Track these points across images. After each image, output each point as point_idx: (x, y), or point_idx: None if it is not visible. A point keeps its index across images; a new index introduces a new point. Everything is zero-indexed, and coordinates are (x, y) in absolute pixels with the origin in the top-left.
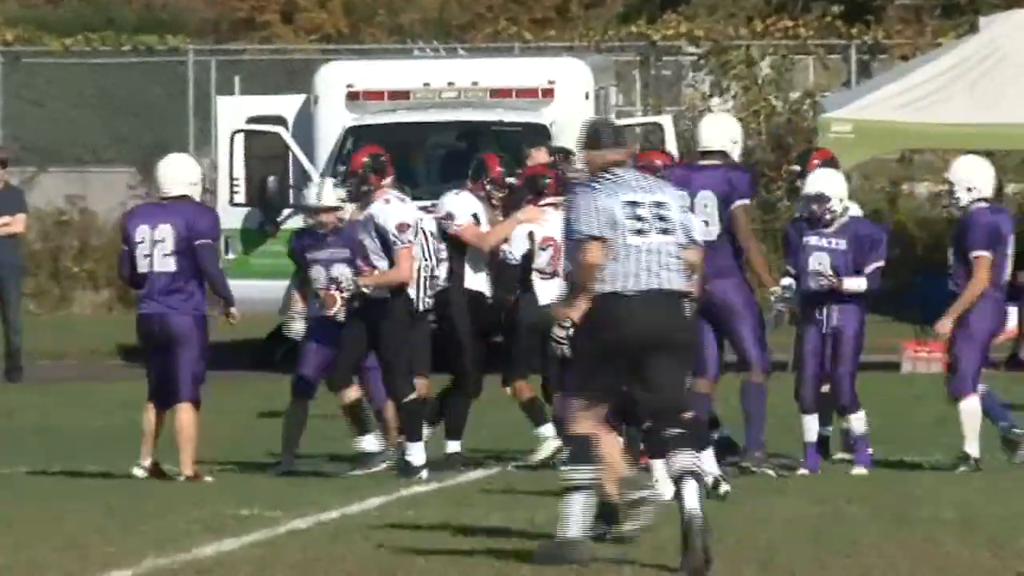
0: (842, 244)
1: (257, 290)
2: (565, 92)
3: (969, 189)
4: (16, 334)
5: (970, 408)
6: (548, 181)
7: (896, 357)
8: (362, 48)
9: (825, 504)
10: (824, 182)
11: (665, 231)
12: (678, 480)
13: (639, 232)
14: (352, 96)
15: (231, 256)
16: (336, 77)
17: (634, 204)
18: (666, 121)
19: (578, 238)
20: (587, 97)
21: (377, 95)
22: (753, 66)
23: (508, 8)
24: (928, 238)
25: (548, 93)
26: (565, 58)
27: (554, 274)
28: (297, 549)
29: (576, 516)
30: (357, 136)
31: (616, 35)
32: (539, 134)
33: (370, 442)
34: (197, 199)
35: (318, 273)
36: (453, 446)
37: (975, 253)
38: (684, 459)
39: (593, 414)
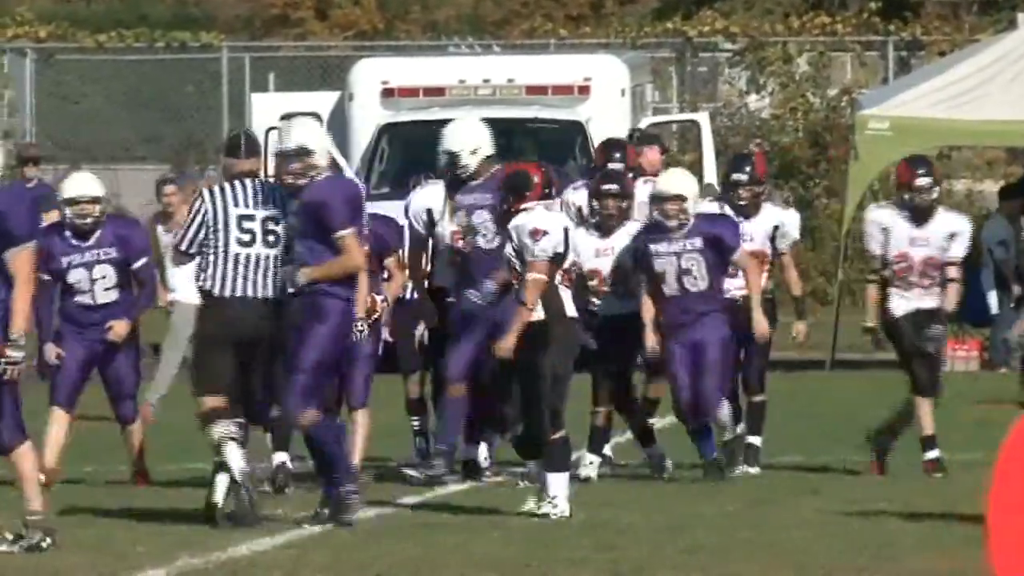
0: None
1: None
2: (601, 89)
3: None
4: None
5: None
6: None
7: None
8: (397, 45)
9: (859, 504)
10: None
11: (271, 244)
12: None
13: (244, 244)
14: (387, 93)
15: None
16: (371, 74)
17: (248, 217)
18: (702, 118)
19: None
20: (623, 94)
21: (412, 92)
22: (790, 63)
23: (543, 5)
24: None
25: (584, 90)
26: (601, 55)
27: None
28: (329, 550)
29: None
30: (392, 133)
31: (652, 31)
32: (575, 131)
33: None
34: None
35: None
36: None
37: None
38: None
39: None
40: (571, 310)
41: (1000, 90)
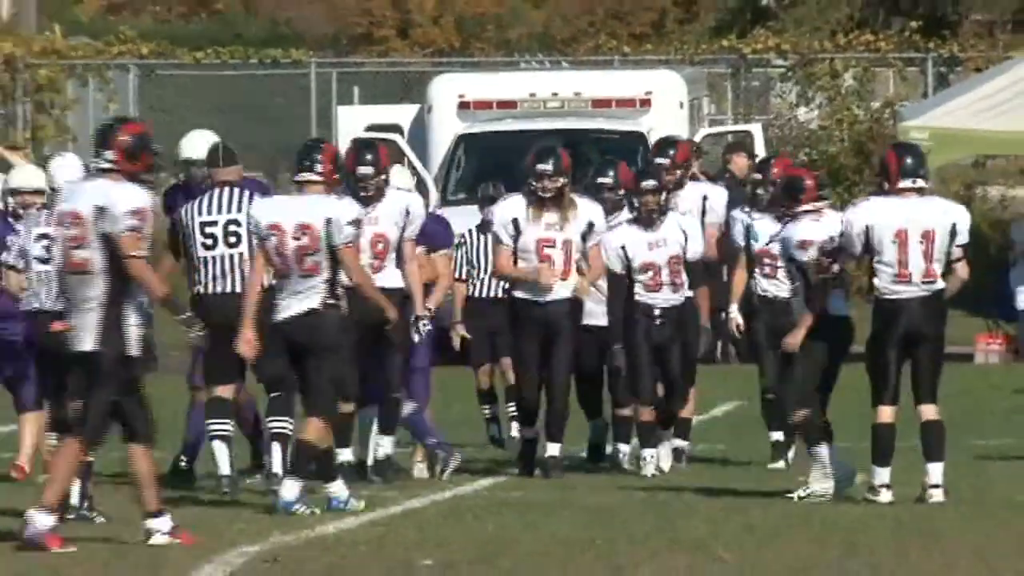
0: None
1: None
2: (661, 102)
3: None
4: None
5: None
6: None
7: (970, 349)
8: (472, 61)
9: (901, 487)
10: None
11: (233, 244)
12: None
13: (207, 247)
14: (463, 106)
15: None
16: (448, 88)
17: (210, 223)
18: (755, 129)
19: None
20: (681, 107)
21: (486, 105)
22: (837, 77)
23: (608, 24)
24: (1000, 238)
25: (645, 103)
26: (661, 70)
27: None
28: (413, 528)
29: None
30: (468, 143)
31: (708, 48)
32: (637, 141)
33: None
34: None
35: None
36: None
37: None
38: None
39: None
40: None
41: None
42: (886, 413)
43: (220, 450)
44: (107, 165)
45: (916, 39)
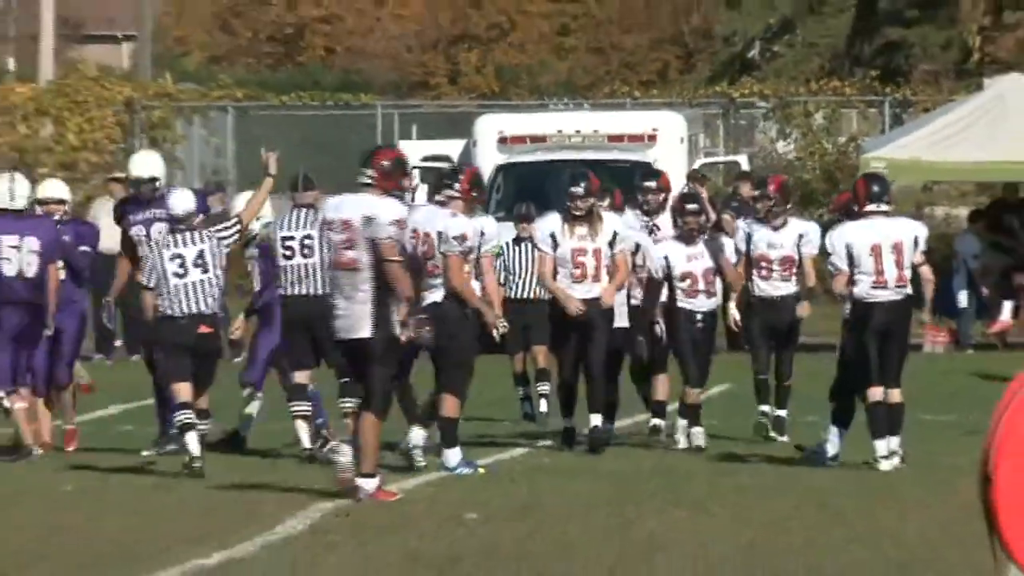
0: None
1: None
2: (665, 137)
3: None
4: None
5: None
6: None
7: (920, 340)
8: (509, 103)
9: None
10: None
11: (307, 255)
12: None
13: (286, 257)
14: (502, 140)
15: None
16: (490, 126)
17: (289, 238)
18: (743, 159)
19: None
20: (682, 141)
21: (521, 139)
22: (809, 117)
23: (621, 72)
24: (945, 249)
25: (652, 138)
26: (665, 111)
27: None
28: (459, 488)
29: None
30: (506, 171)
31: (704, 93)
32: (645, 170)
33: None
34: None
35: None
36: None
37: None
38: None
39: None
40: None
41: (971, 138)
42: (876, 393)
43: (301, 428)
44: (368, 181)
45: (875, 85)
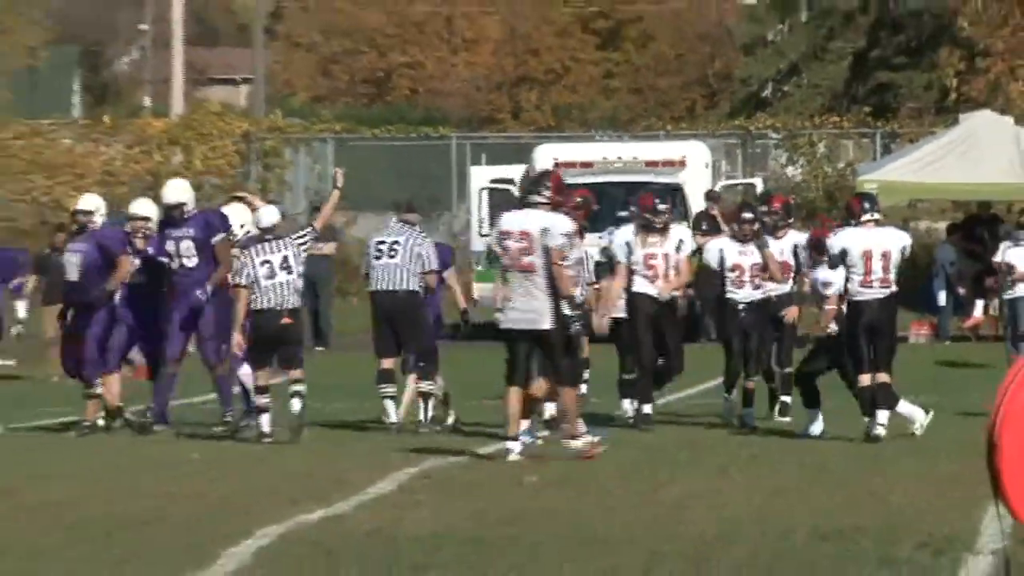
0: None
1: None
2: (692, 163)
3: None
4: (326, 319)
5: None
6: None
7: (905, 333)
8: (563, 135)
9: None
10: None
11: (392, 256)
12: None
13: (376, 258)
14: (556, 166)
15: (480, 268)
16: (546, 153)
17: (382, 242)
18: (758, 181)
19: None
20: (706, 166)
21: (572, 165)
22: (813, 146)
23: (656, 110)
24: (927, 257)
25: (682, 164)
26: (693, 141)
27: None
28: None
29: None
30: None
31: (725, 126)
32: (675, 190)
33: None
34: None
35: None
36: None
37: None
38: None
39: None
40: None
41: (948, 164)
42: (865, 379)
43: (390, 406)
44: (542, 200)
45: (868, 120)
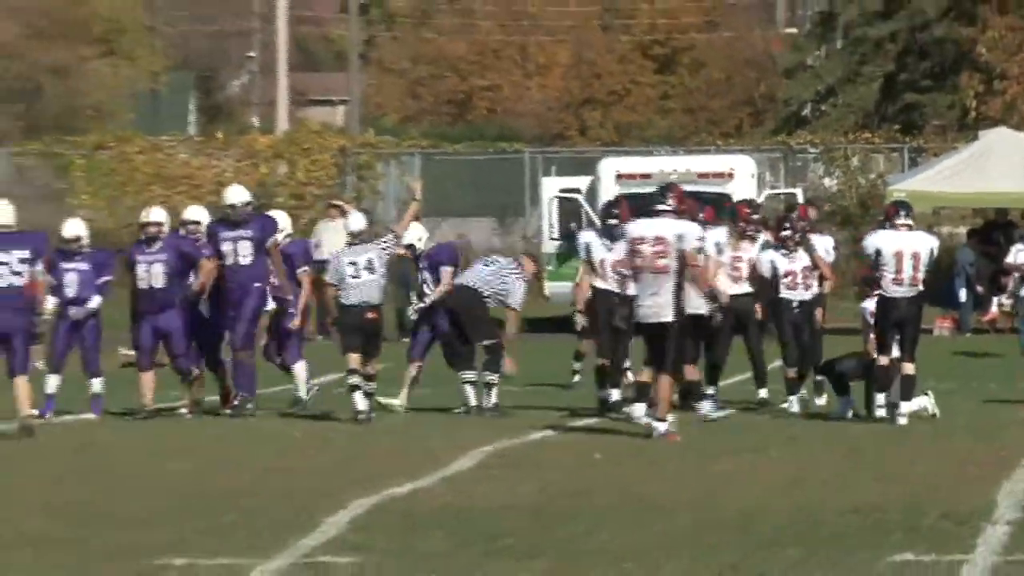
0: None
1: (566, 288)
2: (740, 174)
3: None
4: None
5: None
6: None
7: (930, 326)
8: (624, 149)
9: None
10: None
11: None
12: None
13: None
14: (619, 177)
15: (551, 268)
16: (610, 166)
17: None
18: (798, 191)
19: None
20: (752, 177)
21: (632, 176)
22: (848, 160)
23: (707, 127)
24: (948, 258)
25: (730, 175)
26: (740, 155)
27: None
28: (590, 436)
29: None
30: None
31: (769, 142)
32: (725, 199)
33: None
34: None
35: None
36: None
37: None
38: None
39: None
40: None
41: (968, 175)
42: (883, 360)
43: (469, 390)
44: (668, 208)
45: (897, 136)
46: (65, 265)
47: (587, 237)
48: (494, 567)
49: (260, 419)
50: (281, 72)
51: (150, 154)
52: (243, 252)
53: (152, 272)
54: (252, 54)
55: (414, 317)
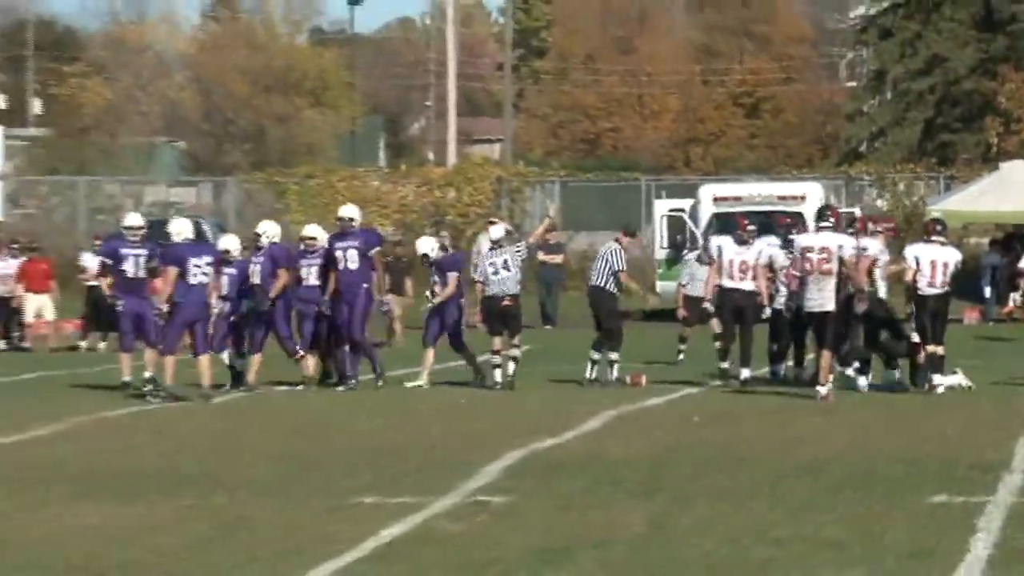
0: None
1: (672, 287)
2: (810, 198)
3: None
4: (553, 308)
5: None
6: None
7: (960, 316)
8: (720, 177)
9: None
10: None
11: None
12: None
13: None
14: (715, 200)
15: (661, 271)
16: (709, 191)
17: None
18: (856, 211)
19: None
20: (819, 200)
21: (726, 199)
22: (896, 186)
23: (785, 160)
24: (975, 263)
25: (803, 198)
26: (810, 182)
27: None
28: (690, 402)
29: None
30: (718, 217)
31: (833, 172)
32: (799, 218)
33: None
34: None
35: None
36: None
37: None
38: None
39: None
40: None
41: (991, 198)
42: (928, 349)
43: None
44: (828, 224)
45: (935, 167)
46: (225, 270)
47: (720, 240)
48: (619, 504)
49: (431, 389)
50: (451, 117)
51: (349, 181)
52: (351, 259)
53: (253, 271)
54: (429, 103)
55: (426, 314)
